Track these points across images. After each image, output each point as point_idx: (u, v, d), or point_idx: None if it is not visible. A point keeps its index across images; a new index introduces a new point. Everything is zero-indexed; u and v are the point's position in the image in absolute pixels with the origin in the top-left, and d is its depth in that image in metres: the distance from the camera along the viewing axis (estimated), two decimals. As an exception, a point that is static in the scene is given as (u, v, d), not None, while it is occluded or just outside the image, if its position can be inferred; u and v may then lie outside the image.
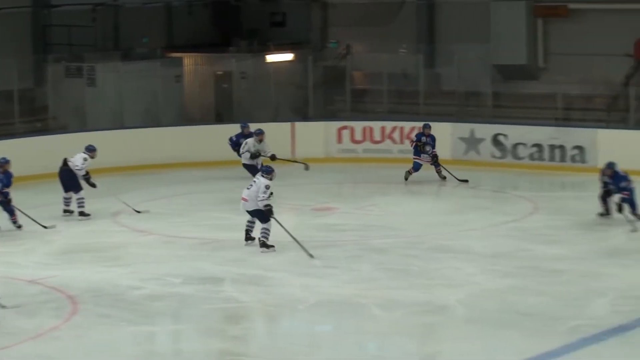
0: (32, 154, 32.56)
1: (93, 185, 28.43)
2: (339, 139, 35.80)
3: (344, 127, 35.96)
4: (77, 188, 28.25)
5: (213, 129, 36.99)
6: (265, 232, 24.21)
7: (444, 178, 32.14)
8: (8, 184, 26.99)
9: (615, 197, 26.05)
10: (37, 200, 29.91)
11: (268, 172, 24.44)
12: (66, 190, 28.75)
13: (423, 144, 31.95)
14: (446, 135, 34.70)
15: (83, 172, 28.20)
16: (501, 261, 23.16)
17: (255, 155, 31.03)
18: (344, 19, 43.27)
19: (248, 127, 32.41)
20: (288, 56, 42.02)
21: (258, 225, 24.34)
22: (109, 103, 37.39)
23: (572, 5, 38.08)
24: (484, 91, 36.59)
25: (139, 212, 28.23)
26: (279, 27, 44.80)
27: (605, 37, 37.35)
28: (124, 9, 42.77)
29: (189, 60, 41.69)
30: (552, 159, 33.51)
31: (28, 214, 27.14)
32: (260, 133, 31.32)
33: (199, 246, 25.05)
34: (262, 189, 24.03)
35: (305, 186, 32.16)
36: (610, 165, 26.08)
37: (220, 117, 40.40)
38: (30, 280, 22.42)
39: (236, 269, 23.07)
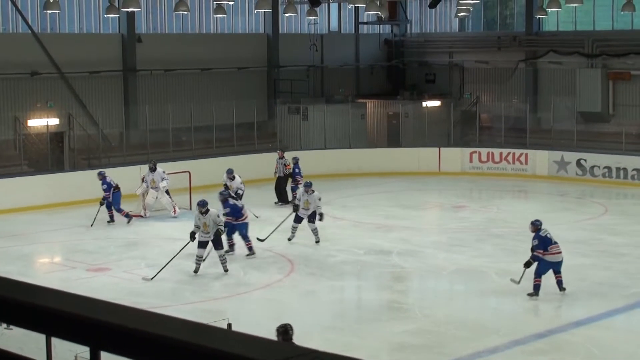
0: (265, 164, 32.91)
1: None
2: (470, 160, 35.55)
3: (474, 152, 35.69)
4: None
5: (386, 151, 37.14)
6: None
7: None
8: (108, 190, 25.96)
9: None
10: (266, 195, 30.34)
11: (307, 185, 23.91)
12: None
13: None
14: (544, 159, 34.35)
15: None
16: (580, 246, 22.87)
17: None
18: (475, 78, 43.02)
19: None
20: (437, 103, 41.85)
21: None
22: (316, 132, 37.64)
23: (633, 72, 37.37)
24: (571, 129, 36.02)
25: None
26: (431, 83, 44.63)
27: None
28: (327, 69, 43.03)
29: (370, 104, 41.77)
30: (618, 177, 32.86)
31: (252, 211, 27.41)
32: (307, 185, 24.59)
33: (375, 229, 25.21)
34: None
35: (446, 191, 32.05)
36: None
37: (391, 143, 40.42)
38: (264, 248, 22.79)
39: (400, 245, 23.16)
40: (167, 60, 36.78)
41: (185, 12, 34.14)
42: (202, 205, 20.23)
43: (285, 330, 11.43)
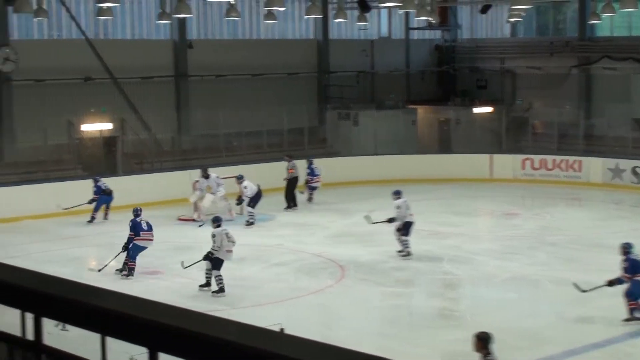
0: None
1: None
2: (523, 167, 35.22)
3: (527, 159, 35.37)
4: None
5: (437, 157, 36.97)
6: None
7: None
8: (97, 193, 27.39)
9: None
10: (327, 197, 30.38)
11: None
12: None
13: None
14: (598, 166, 33.91)
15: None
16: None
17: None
18: (527, 84, 42.67)
19: None
20: (488, 109, 41.59)
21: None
22: (367, 137, 37.56)
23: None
24: (625, 136, 35.58)
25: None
26: (483, 89, 44.38)
27: None
28: (378, 75, 42.99)
29: (421, 110, 41.61)
30: (673, 184, 32.50)
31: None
32: None
33: (427, 235, 25.01)
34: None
35: (498, 199, 31.78)
36: None
37: (442, 149, 40.26)
38: (314, 253, 22.79)
39: (452, 252, 23.01)
40: (218, 66, 36.94)
41: (236, 18, 34.26)
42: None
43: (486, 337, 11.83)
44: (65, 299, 3.22)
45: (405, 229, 22.47)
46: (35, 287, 3.26)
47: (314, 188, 30.68)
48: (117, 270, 20.73)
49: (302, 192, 30.42)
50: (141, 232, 20.67)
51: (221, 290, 18.91)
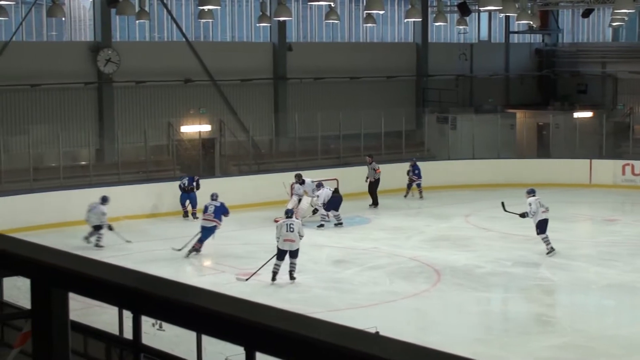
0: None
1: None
2: (623, 172, 34.68)
3: (627, 164, 34.80)
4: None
5: (536, 162, 36.57)
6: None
7: None
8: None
9: None
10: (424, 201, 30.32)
11: None
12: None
13: None
14: None
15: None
16: None
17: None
18: (629, 88, 42.00)
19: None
20: (588, 114, 41.01)
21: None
22: (465, 141, 37.34)
23: None
24: None
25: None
26: (583, 94, 43.83)
27: None
28: (477, 79, 42.76)
29: (520, 115, 41.23)
30: None
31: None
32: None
33: (524, 240, 24.74)
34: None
35: (598, 204, 31.32)
36: None
37: (541, 154, 39.80)
38: (410, 257, 22.74)
39: (549, 258, 22.72)
40: (316, 69, 37.11)
41: (336, 21, 34.36)
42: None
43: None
44: (165, 298, 3.29)
45: (539, 227, 22.89)
46: (134, 285, 3.33)
47: (419, 185, 32.11)
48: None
49: (406, 196, 31.96)
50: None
51: (272, 277, 19.97)
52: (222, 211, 23.06)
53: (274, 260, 20.06)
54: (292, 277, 20.14)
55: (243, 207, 29.02)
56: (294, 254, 20.06)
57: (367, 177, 30.65)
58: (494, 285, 20.56)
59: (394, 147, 36.76)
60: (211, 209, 22.95)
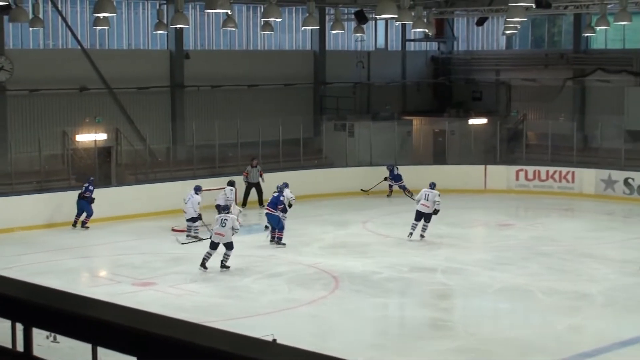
0: (311, 180, 33.38)
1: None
2: (517, 178, 35.36)
3: (520, 170, 35.50)
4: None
5: (432, 168, 37.00)
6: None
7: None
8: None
9: None
10: (317, 210, 30.49)
11: None
12: None
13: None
14: (591, 177, 34.11)
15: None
16: (628, 265, 22.69)
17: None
18: (522, 95, 42.89)
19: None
20: (483, 120, 41.64)
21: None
22: (362, 149, 37.60)
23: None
24: (619, 148, 35.65)
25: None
26: (478, 100, 44.54)
27: None
28: (374, 86, 43.09)
29: (417, 121, 41.65)
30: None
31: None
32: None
33: (419, 246, 25.14)
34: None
35: (492, 209, 31.90)
36: None
37: (436, 160, 40.28)
38: (309, 264, 22.86)
39: (445, 263, 23.10)
40: (214, 77, 37.02)
41: (233, 29, 34.25)
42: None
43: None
44: (56, 309, 3.30)
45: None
46: (25, 297, 3.33)
47: (404, 187, 33.73)
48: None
49: (389, 196, 33.97)
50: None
51: (202, 263, 21.73)
52: (275, 202, 25.22)
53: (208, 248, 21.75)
54: (222, 266, 21.71)
55: (139, 216, 28.86)
56: (228, 246, 21.66)
57: (247, 179, 31.86)
58: (391, 290, 20.81)
59: (292, 154, 36.83)
60: (273, 199, 25.28)
